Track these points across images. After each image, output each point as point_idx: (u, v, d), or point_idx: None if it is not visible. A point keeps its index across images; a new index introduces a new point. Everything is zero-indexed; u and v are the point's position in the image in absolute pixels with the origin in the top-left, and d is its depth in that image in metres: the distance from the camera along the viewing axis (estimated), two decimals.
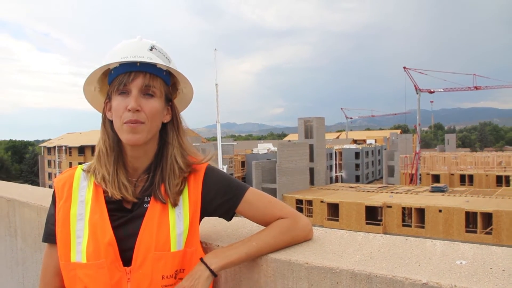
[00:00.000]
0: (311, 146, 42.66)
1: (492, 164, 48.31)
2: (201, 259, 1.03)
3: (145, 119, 1.02)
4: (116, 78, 1.03)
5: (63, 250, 1.02)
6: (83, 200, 1.05)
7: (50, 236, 1.08)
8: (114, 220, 1.02)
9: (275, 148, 44.62)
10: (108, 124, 1.08)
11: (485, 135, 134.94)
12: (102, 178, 1.05)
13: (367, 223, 30.08)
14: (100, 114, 1.12)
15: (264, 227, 1.12)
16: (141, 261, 0.99)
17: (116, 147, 1.07)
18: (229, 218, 1.14)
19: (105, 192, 1.05)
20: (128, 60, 1.01)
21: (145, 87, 1.02)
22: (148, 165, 1.09)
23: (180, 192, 1.06)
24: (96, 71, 1.06)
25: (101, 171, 1.06)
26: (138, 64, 1.02)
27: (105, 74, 1.10)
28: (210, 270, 1.00)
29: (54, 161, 60.54)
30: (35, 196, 2.16)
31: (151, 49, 1.05)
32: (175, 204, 1.04)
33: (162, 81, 1.07)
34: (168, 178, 1.06)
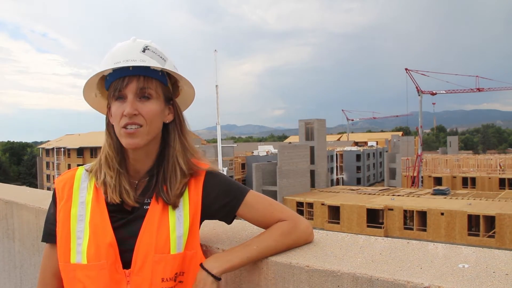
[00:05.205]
0: (312, 148, 42.65)
1: (494, 167, 48.16)
2: (201, 265, 1.02)
3: (143, 122, 1.01)
4: (111, 85, 1.03)
5: (62, 251, 1.02)
6: (83, 201, 1.05)
7: (48, 236, 1.08)
8: (114, 221, 1.02)
9: (276, 150, 44.63)
10: (111, 128, 1.08)
11: (488, 138, 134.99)
12: (103, 183, 1.05)
13: (368, 226, 30.03)
14: (103, 117, 1.12)
15: (265, 230, 1.11)
16: (141, 263, 0.99)
17: (119, 151, 1.07)
18: (229, 221, 1.14)
19: (105, 193, 1.05)
20: (120, 66, 1.00)
21: (140, 90, 1.01)
22: (150, 167, 1.09)
23: (180, 195, 1.06)
24: (92, 78, 1.06)
25: (103, 174, 1.05)
26: (130, 68, 1.01)
27: (103, 80, 1.09)
28: (212, 275, 0.99)
29: (53, 163, 60.36)
30: (33, 198, 2.16)
31: (143, 51, 1.03)
32: (175, 206, 1.04)
33: (158, 82, 1.05)
34: (170, 180, 1.05)
